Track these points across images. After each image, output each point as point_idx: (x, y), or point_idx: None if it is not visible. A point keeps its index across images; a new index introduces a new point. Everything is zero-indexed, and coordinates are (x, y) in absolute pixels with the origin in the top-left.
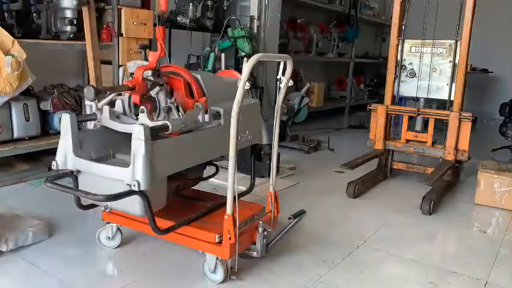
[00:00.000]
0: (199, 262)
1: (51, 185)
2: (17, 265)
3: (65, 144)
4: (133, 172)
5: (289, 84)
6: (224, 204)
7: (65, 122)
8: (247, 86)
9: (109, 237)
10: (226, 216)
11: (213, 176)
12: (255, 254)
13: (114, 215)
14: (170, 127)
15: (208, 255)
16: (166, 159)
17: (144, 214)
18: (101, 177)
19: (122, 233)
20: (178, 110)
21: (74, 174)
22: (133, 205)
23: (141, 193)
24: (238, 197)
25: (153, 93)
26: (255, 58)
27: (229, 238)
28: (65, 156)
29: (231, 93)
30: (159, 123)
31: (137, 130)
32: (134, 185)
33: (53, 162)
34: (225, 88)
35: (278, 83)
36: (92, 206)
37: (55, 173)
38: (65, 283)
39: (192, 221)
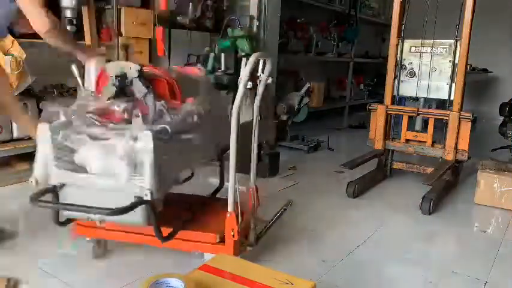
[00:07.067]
0: (199, 262)
1: (38, 204)
2: None
3: (44, 156)
4: (143, 182)
5: (269, 82)
6: (208, 203)
7: (42, 131)
8: (249, 85)
9: None
10: (228, 215)
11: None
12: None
13: (88, 228)
14: (169, 130)
15: (207, 255)
16: (171, 163)
17: (146, 223)
18: (95, 189)
19: None
20: (168, 112)
21: (55, 190)
22: (136, 215)
23: (150, 202)
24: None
25: (141, 96)
26: (254, 57)
27: (233, 236)
28: (46, 169)
29: (198, 91)
30: (158, 127)
31: (144, 137)
32: (146, 195)
33: (30, 179)
34: (194, 86)
35: (258, 81)
36: (70, 221)
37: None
38: (66, 284)
39: (188, 224)
